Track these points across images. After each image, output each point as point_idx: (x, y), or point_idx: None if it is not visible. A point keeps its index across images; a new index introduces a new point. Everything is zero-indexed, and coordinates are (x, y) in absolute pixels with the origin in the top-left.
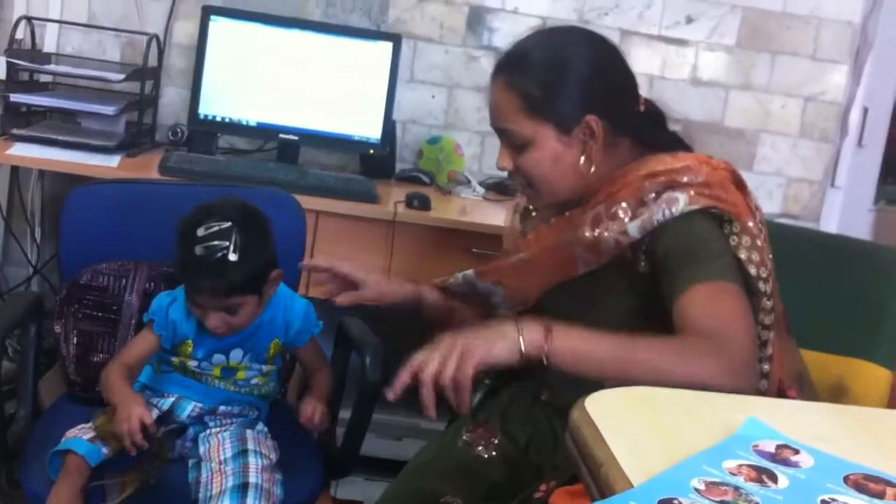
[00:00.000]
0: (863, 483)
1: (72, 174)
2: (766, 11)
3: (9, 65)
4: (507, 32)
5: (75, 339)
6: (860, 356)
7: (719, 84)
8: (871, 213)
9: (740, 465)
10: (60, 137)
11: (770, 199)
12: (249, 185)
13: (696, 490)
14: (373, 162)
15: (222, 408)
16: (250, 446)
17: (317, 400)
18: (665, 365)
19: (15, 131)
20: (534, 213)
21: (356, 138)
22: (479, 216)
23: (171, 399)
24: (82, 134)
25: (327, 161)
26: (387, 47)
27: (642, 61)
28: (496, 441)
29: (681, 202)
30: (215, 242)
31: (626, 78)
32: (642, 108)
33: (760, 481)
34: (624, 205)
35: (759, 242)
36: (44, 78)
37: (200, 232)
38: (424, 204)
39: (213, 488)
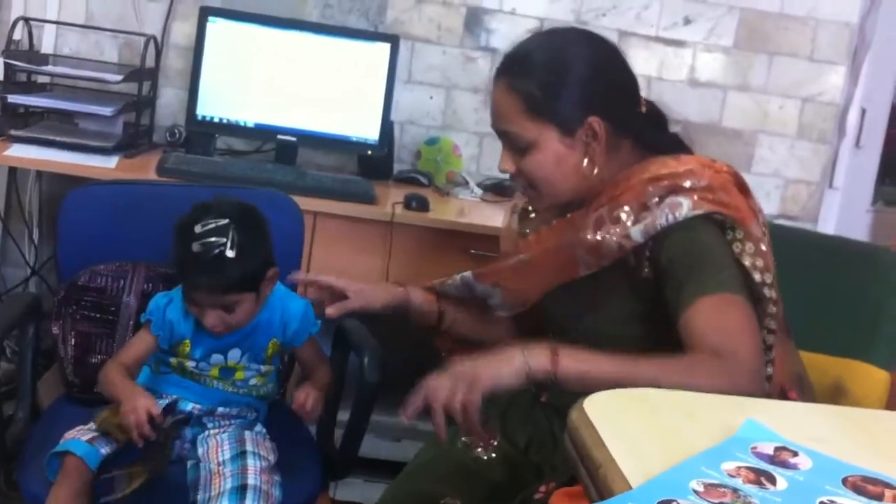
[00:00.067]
0: (861, 485)
1: (69, 175)
2: (764, 12)
3: (6, 66)
4: (504, 33)
5: (73, 340)
6: (858, 357)
7: (717, 85)
8: (869, 214)
9: (739, 467)
10: (58, 138)
11: (768, 200)
12: (247, 186)
13: (695, 492)
14: (371, 163)
15: (221, 409)
16: (249, 448)
17: (312, 387)
18: (671, 384)
19: (12, 132)
20: (532, 215)
21: (354, 139)
22: (477, 217)
23: (169, 400)
24: (80, 135)
25: (325, 162)
26: (384, 48)
27: (640, 62)
28: (495, 442)
29: (684, 207)
30: (212, 239)
31: (627, 79)
32: (644, 109)
33: (759, 483)
34: (627, 208)
35: (762, 247)
36: (41, 79)
37: (198, 229)
38: (422, 205)
39: (212, 490)
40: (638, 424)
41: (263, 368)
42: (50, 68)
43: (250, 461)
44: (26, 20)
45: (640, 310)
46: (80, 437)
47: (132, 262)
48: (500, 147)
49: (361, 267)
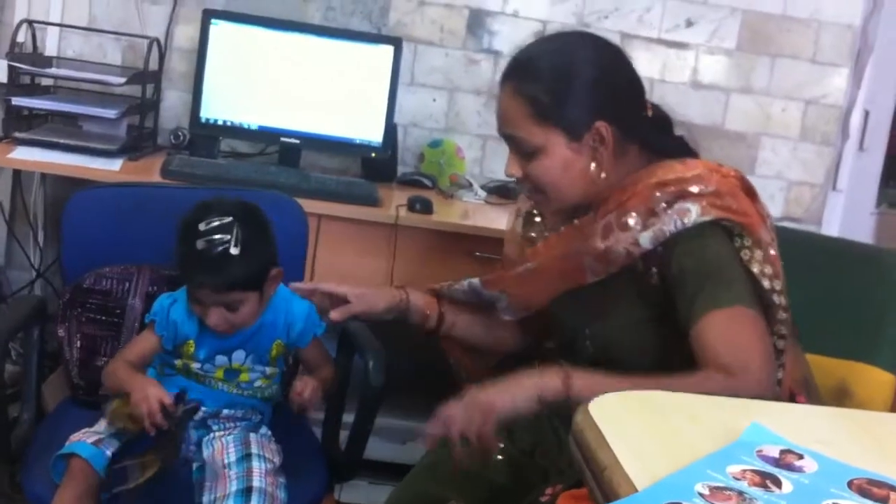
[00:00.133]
0: (867, 488)
1: (74, 178)
2: (766, 14)
3: (10, 68)
4: (507, 36)
5: (78, 342)
6: (863, 360)
7: (719, 87)
8: (873, 216)
9: (744, 470)
10: (62, 141)
11: (771, 203)
12: (251, 189)
13: (701, 495)
14: (374, 165)
15: (226, 411)
16: (254, 450)
17: (310, 378)
18: None
19: (17, 135)
20: (538, 219)
21: (357, 142)
22: (480, 220)
23: (178, 390)
24: (84, 137)
25: (329, 164)
26: (387, 51)
27: (642, 65)
28: (501, 445)
29: (693, 213)
30: (217, 236)
31: (634, 83)
32: (650, 112)
33: (764, 486)
34: (634, 214)
35: (771, 251)
36: (45, 81)
37: (201, 226)
38: (426, 207)
39: (217, 492)
40: (643, 427)
41: (268, 370)
42: (53, 71)
43: (256, 463)
44: (30, 23)
45: (648, 315)
46: (85, 440)
47: (137, 265)
48: (503, 150)
49: (365, 269)
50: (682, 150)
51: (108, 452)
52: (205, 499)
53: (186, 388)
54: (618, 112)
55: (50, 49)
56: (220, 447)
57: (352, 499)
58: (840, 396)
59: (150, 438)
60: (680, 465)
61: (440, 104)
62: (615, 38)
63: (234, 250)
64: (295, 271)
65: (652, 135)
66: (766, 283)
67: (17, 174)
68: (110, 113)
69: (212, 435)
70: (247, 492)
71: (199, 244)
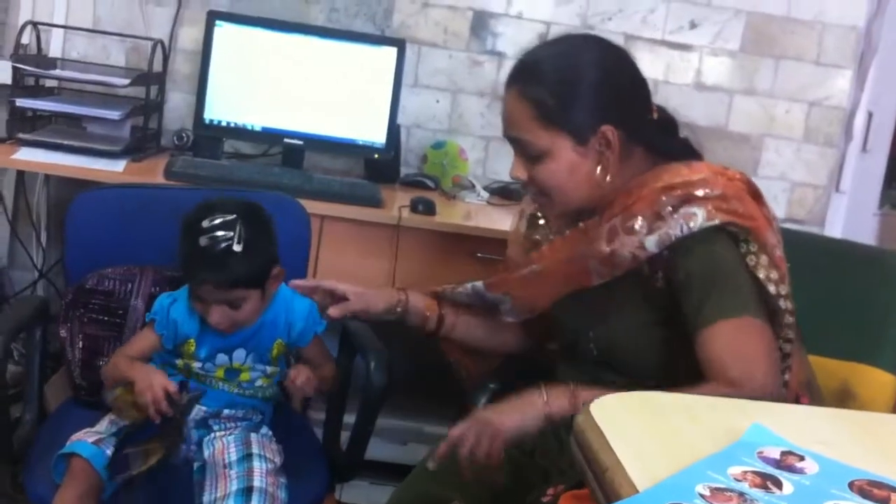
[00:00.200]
0: (867, 489)
1: (77, 179)
2: (770, 16)
3: (14, 70)
4: (510, 37)
5: (81, 343)
6: (865, 361)
7: (723, 89)
8: (876, 217)
9: (745, 472)
10: (66, 142)
11: (775, 204)
12: (254, 190)
13: (702, 496)
14: (377, 166)
15: (226, 411)
16: (255, 450)
17: (305, 367)
18: None
19: (21, 136)
20: (541, 221)
21: (360, 143)
22: (483, 221)
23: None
24: (88, 138)
25: (332, 166)
26: (391, 52)
27: (646, 66)
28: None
29: (699, 217)
30: (220, 233)
31: (640, 86)
32: (655, 115)
33: (765, 487)
34: (640, 218)
35: (778, 252)
36: (49, 83)
37: (205, 224)
38: (429, 208)
39: (218, 492)
40: (644, 428)
41: (269, 370)
42: (58, 72)
43: (256, 463)
44: (34, 24)
45: (653, 318)
46: (86, 439)
47: (140, 266)
48: (506, 151)
49: (368, 270)
50: (687, 152)
51: (109, 452)
52: (205, 498)
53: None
54: (623, 115)
55: (54, 50)
56: (221, 447)
57: (352, 499)
58: (842, 398)
59: (152, 427)
60: (681, 466)
61: (443, 105)
62: (619, 40)
63: (237, 247)
64: (298, 272)
65: (657, 137)
66: (771, 289)
67: (20, 175)
68: (114, 114)
69: (212, 435)
70: (247, 491)
71: (203, 241)
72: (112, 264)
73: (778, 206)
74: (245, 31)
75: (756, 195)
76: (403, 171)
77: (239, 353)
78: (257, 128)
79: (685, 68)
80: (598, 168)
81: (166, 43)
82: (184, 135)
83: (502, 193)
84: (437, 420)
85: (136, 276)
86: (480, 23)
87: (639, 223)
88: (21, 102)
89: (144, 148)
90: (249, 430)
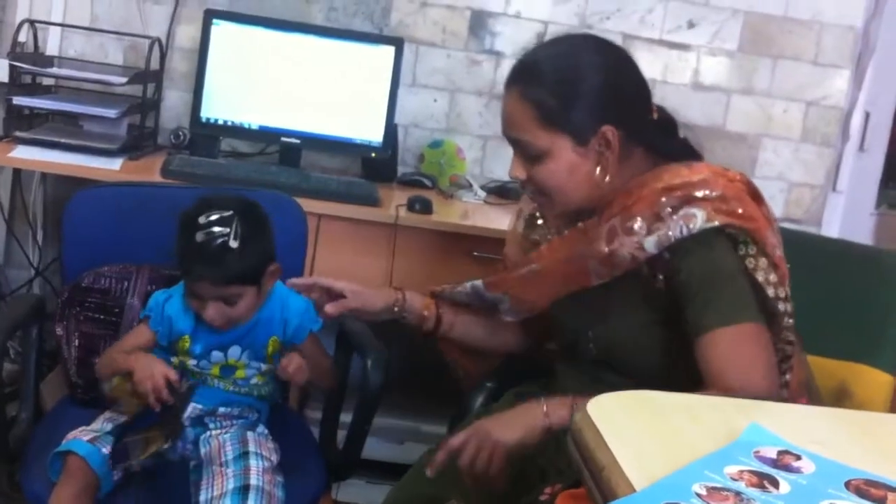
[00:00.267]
0: (864, 488)
1: (74, 177)
2: (768, 16)
3: (11, 68)
4: (509, 37)
5: (77, 341)
6: (863, 361)
7: (721, 89)
8: (873, 217)
9: (742, 471)
10: (63, 140)
11: (772, 204)
12: (251, 188)
13: (698, 495)
14: (374, 165)
15: (222, 409)
16: (251, 448)
17: (298, 355)
18: None
19: (17, 134)
20: (540, 221)
21: (358, 142)
22: (480, 220)
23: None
24: (84, 137)
25: (329, 164)
26: (389, 51)
27: (644, 66)
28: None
29: (699, 219)
30: (216, 229)
31: (640, 87)
32: (655, 116)
33: (762, 487)
34: (639, 219)
35: (778, 252)
36: (46, 81)
37: (201, 220)
38: (426, 208)
39: (214, 490)
40: (641, 427)
41: (264, 367)
42: (55, 70)
43: (253, 462)
44: (31, 22)
45: (653, 318)
46: (82, 437)
47: (136, 264)
48: (504, 150)
49: (365, 269)
50: (687, 152)
51: (105, 450)
52: (202, 497)
53: None
54: (624, 116)
55: (51, 49)
56: (218, 445)
57: (349, 498)
58: (840, 397)
59: (150, 416)
60: (678, 466)
61: (441, 105)
62: (617, 39)
63: (233, 243)
64: (295, 271)
65: (657, 138)
66: (770, 292)
67: (17, 173)
68: (111, 112)
69: (209, 433)
70: (244, 490)
71: (199, 237)
72: (109, 262)
73: (775, 206)
74: (242, 29)
75: (756, 196)
76: (401, 170)
77: (234, 350)
78: (254, 126)
79: (683, 68)
80: (598, 168)
81: (163, 41)
82: (181, 133)
83: (500, 193)
84: (434, 419)
85: (132, 274)
86: (479, 22)
87: (638, 224)
88: (18, 100)
89: (141, 146)
90: (246, 429)
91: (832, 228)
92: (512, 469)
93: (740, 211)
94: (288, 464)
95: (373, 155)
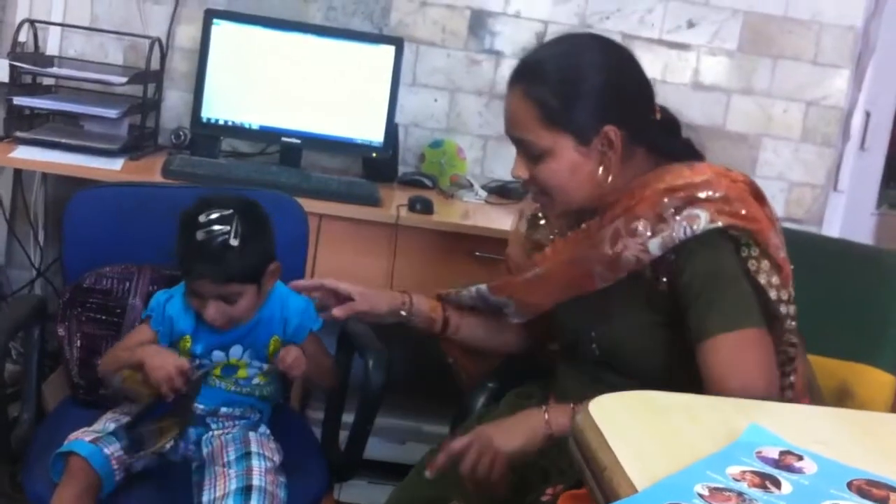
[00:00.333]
0: (866, 489)
1: (75, 177)
2: (768, 16)
3: (12, 68)
4: (508, 36)
5: (79, 342)
6: (864, 361)
7: (721, 88)
8: (874, 217)
9: (744, 471)
10: (63, 140)
11: (773, 204)
12: (252, 188)
13: (700, 496)
14: (375, 165)
15: (223, 409)
16: (254, 449)
17: (296, 347)
18: None
19: (18, 134)
20: (542, 221)
21: (358, 142)
22: (481, 220)
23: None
24: (85, 137)
25: (330, 164)
26: (389, 51)
27: (644, 66)
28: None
29: (702, 220)
30: (216, 227)
31: (643, 87)
32: (658, 116)
33: (764, 487)
34: (643, 221)
35: (781, 254)
36: (46, 81)
37: (202, 218)
38: (427, 207)
39: (217, 491)
40: (643, 427)
41: (266, 367)
42: (55, 70)
43: (255, 462)
44: (31, 22)
45: (656, 319)
46: (84, 438)
47: (137, 265)
48: (504, 150)
49: (366, 269)
50: (690, 153)
51: (107, 451)
52: (204, 498)
53: None
54: (626, 116)
55: (52, 48)
56: (220, 446)
57: (351, 498)
58: (841, 397)
59: (163, 405)
60: (680, 466)
61: (441, 104)
62: (616, 39)
63: (233, 241)
64: (296, 271)
65: (660, 138)
66: (772, 294)
67: (18, 173)
68: (111, 112)
69: (211, 433)
70: (246, 490)
71: (199, 235)
72: (110, 263)
73: (776, 206)
74: (242, 29)
75: (759, 197)
76: (401, 169)
77: (235, 350)
78: (255, 126)
79: (683, 68)
80: (600, 168)
81: (164, 41)
82: (181, 133)
83: (500, 192)
84: (435, 419)
85: (133, 274)
86: (478, 22)
87: (641, 225)
88: (18, 101)
89: (142, 146)
90: (248, 429)
91: (833, 228)
92: (513, 475)
93: (743, 212)
94: (290, 464)
95: (373, 155)
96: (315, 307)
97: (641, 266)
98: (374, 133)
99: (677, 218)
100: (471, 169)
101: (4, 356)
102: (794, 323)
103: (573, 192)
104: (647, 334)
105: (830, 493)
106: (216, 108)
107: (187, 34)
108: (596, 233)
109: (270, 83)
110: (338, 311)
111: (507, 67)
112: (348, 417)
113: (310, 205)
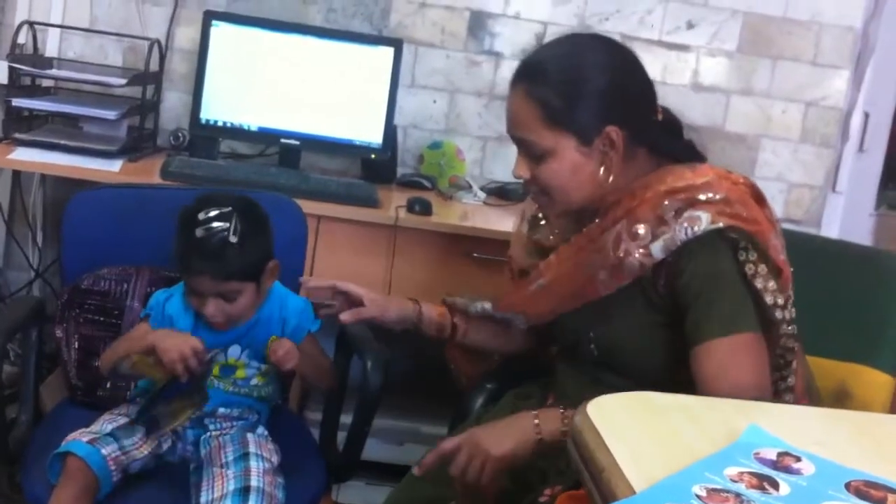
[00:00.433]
0: (864, 490)
1: (74, 178)
2: (767, 17)
3: (11, 69)
4: (508, 38)
5: (77, 343)
6: (862, 362)
7: (720, 89)
8: (873, 218)
9: (742, 473)
10: (62, 142)
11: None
12: (251, 190)
13: (698, 497)
14: (374, 167)
15: (222, 410)
16: (252, 449)
17: (288, 339)
18: None
19: (17, 135)
20: (542, 222)
21: (357, 143)
22: (480, 221)
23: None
24: (84, 138)
25: (329, 166)
26: (388, 52)
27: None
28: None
29: (703, 221)
30: (216, 225)
31: (645, 87)
32: (660, 116)
33: (762, 488)
34: (643, 225)
35: (781, 256)
36: (46, 82)
37: (201, 216)
38: (426, 209)
39: (215, 492)
40: (641, 428)
41: (264, 367)
42: (54, 72)
43: (253, 463)
44: (31, 24)
45: (655, 320)
46: (81, 439)
47: (136, 266)
48: (504, 151)
49: (365, 270)
50: (691, 154)
51: (104, 451)
52: (202, 499)
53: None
54: (629, 116)
55: (51, 50)
56: (218, 446)
57: (349, 499)
58: (840, 398)
59: (175, 387)
60: (678, 467)
61: (440, 106)
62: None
63: (233, 238)
64: (295, 272)
65: (661, 139)
66: (769, 299)
67: (16, 175)
68: (110, 114)
69: (209, 434)
70: (244, 491)
71: (199, 232)
72: (108, 264)
73: (775, 207)
74: (242, 30)
75: (760, 199)
76: (400, 171)
77: (234, 350)
78: (254, 128)
79: (682, 69)
80: (602, 168)
81: (163, 43)
82: (180, 135)
83: (499, 194)
84: (433, 421)
85: (132, 276)
86: (478, 23)
87: (643, 229)
88: (17, 102)
89: (141, 148)
90: (246, 430)
91: (832, 229)
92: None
93: (744, 214)
94: (288, 465)
95: (372, 156)
96: (312, 304)
97: (644, 271)
98: (373, 134)
99: (678, 219)
100: (470, 170)
101: (2, 358)
102: (791, 327)
103: (574, 191)
104: (646, 335)
105: (828, 494)
106: (215, 110)
107: (186, 36)
108: (598, 237)
109: (269, 85)
110: (345, 316)
111: (507, 69)
112: (346, 418)
113: (309, 206)
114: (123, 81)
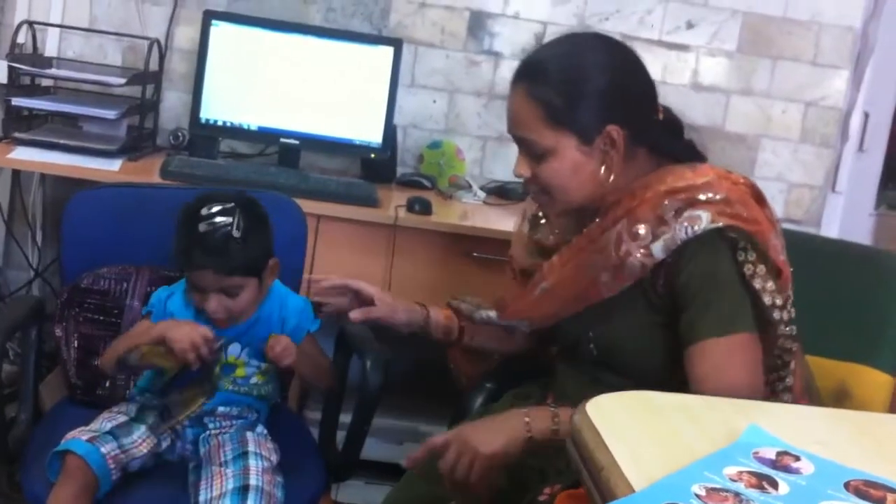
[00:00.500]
0: (863, 489)
1: (73, 178)
2: (767, 17)
3: (10, 69)
4: (507, 37)
5: (76, 342)
6: (862, 361)
7: (720, 89)
8: (872, 218)
9: (741, 472)
10: (62, 141)
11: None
12: (251, 189)
13: (697, 496)
14: (374, 166)
15: (221, 408)
16: (251, 448)
17: (286, 336)
18: None
19: (16, 135)
20: (542, 221)
21: (357, 143)
22: (480, 221)
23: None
24: (84, 138)
25: (328, 165)
26: (388, 52)
27: None
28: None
29: (703, 220)
30: (219, 219)
31: (646, 87)
32: (661, 116)
33: (761, 488)
34: (644, 225)
35: (781, 256)
36: (45, 82)
37: (203, 212)
38: (425, 208)
39: (214, 490)
40: (641, 427)
41: (264, 366)
42: (54, 71)
43: (252, 462)
44: (30, 23)
45: (655, 320)
46: (80, 437)
47: (135, 266)
48: (503, 151)
49: (364, 270)
50: (692, 154)
51: (104, 450)
52: (201, 497)
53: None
54: (629, 116)
55: (50, 50)
56: (217, 445)
57: (348, 499)
58: (839, 398)
59: (185, 377)
60: (677, 467)
61: (440, 105)
62: None
63: (235, 233)
64: (295, 272)
65: (662, 138)
66: (767, 300)
67: (16, 174)
68: (110, 113)
69: (208, 433)
70: (244, 490)
71: (202, 227)
72: (108, 264)
73: (775, 207)
74: (241, 30)
75: (760, 199)
76: (400, 170)
77: (234, 348)
78: (253, 127)
79: (682, 69)
80: (602, 168)
81: (162, 42)
82: (180, 134)
83: (499, 193)
84: (433, 420)
85: (131, 275)
86: (477, 23)
87: (643, 229)
88: (17, 101)
89: (140, 147)
90: (245, 429)
91: (831, 229)
92: (501, 477)
93: (744, 214)
94: (287, 464)
95: (372, 156)
96: (312, 304)
97: (646, 272)
98: (372, 134)
99: (678, 219)
100: (469, 170)
101: (2, 357)
102: (790, 327)
103: (574, 191)
104: (645, 335)
105: (827, 494)
106: (215, 109)
107: (186, 35)
108: (598, 237)
109: (269, 84)
110: (355, 314)
111: (507, 68)
112: (346, 418)
113: (308, 206)
114: (123, 81)
